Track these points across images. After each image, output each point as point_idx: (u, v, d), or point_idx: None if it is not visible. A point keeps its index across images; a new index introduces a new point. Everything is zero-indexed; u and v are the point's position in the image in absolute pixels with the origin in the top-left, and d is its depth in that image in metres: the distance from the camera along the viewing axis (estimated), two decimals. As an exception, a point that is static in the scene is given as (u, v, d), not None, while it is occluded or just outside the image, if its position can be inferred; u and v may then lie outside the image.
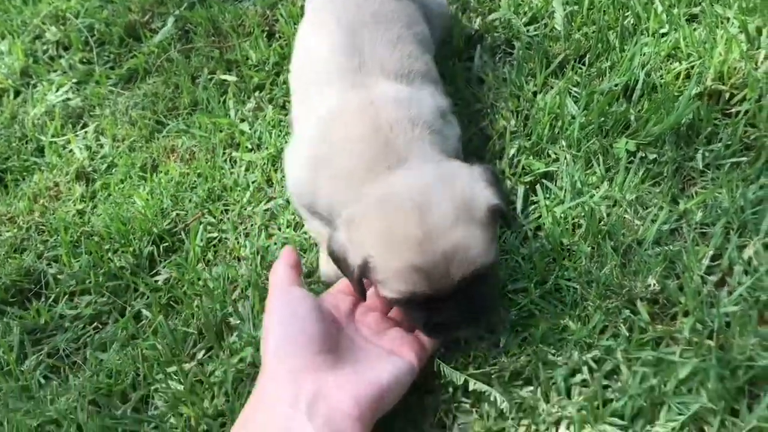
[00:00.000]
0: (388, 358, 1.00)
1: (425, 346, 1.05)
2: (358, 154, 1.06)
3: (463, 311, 1.00)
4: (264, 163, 1.44)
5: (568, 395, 1.02)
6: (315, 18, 1.32)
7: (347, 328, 1.06)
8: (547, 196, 1.25)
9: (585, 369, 1.03)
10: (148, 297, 1.29)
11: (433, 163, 1.05)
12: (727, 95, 1.28)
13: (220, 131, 1.53)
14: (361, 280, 1.02)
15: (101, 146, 1.63)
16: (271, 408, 0.92)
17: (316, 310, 1.01)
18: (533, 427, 1.00)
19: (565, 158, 1.27)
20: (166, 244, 1.38)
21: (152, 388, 1.17)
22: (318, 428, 0.88)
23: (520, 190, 1.26)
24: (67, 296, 1.34)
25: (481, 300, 1.01)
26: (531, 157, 1.30)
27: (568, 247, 1.17)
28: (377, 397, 0.94)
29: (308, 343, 0.96)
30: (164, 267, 1.35)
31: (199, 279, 1.28)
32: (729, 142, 1.22)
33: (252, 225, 1.35)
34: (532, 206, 1.25)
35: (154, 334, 1.23)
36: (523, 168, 1.29)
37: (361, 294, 1.05)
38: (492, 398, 1.02)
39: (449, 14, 1.53)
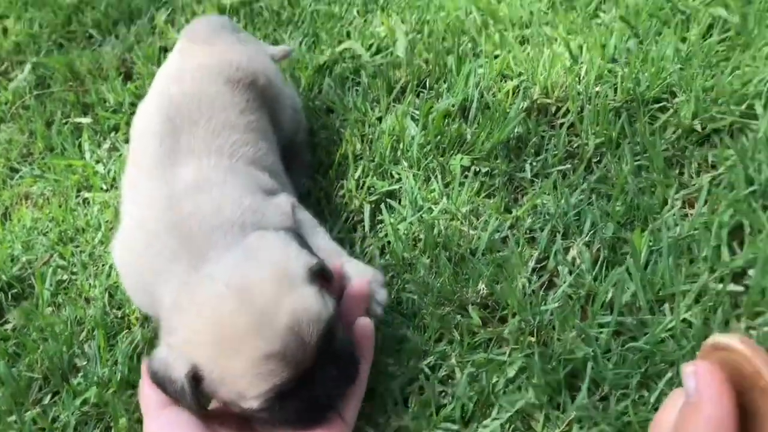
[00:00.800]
0: None
1: (347, 423, 0.94)
2: (162, 248, 0.99)
3: (335, 374, 0.91)
4: (117, 202, 1.43)
5: (405, 404, 1.04)
6: (151, 91, 1.26)
7: None
8: (392, 214, 1.28)
9: (421, 376, 1.06)
10: (-6, 347, 1.25)
11: (237, 244, 0.96)
12: (553, 108, 1.36)
13: (74, 174, 1.51)
14: (195, 394, 0.86)
15: (-48, 198, 1.58)
16: None
17: None
18: (372, 439, 1.01)
19: (407, 177, 1.32)
20: (16, 290, 1.34)
21: (-7, 440, 1.13)
22: None
23: (367, 209, 1.30)
24: None
25: (344, 351, 0.93)
26: (375, 178, 1.34)
27: (410, 260, 1.20)
28: None
29: None
30: (12, 314, 1.31)
31: (48, 326, 1.25)
32: (555, 152, 1.29)
33: (103, 265, 1.33)
34: (379, 225, 1.29)
35: (-2, 384, 1.19)
36: (368, 188, 1.33)
37: (198, 411, 0.89)
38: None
39: (299, 105, 1.44)
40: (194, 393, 0.86)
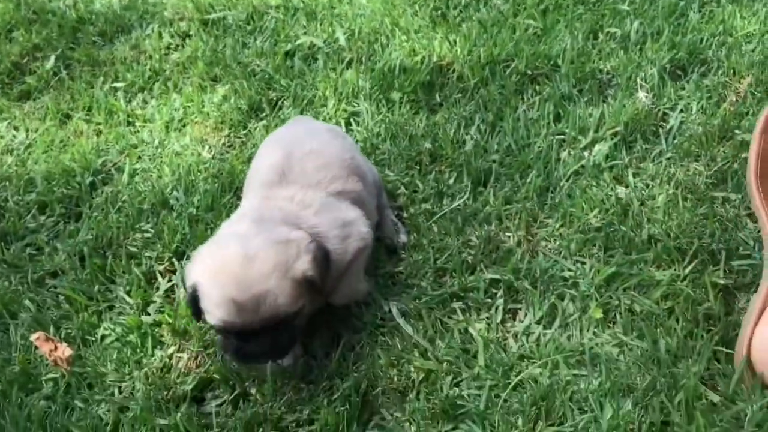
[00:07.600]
0: None
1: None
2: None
3: (267, 345, 1.24)
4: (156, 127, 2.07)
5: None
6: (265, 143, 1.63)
7: None
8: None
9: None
10: None
11: (284, 227, 1.28)
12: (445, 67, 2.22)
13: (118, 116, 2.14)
14: (194, 301, 1.23)
15: None
16: None
17: None
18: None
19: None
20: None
21: None
22: None
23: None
24: None
25: (282, 340, 1.26)
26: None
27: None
28: None
29: None
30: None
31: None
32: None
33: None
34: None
35: None
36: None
37: (195, 315, 1.27)
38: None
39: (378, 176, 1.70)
40: (194, 301, 1.24)
